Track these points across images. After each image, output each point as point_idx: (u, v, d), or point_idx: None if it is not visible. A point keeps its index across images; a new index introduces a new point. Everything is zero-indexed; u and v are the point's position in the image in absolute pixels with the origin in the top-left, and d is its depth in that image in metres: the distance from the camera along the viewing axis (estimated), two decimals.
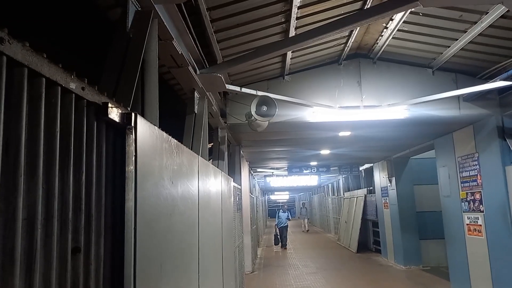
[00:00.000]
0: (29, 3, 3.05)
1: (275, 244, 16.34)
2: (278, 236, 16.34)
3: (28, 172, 1.15)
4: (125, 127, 1.72)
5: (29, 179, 1.15)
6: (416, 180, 11.20)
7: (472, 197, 7.04)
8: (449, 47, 5.58)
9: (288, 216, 17.23)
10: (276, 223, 16.96)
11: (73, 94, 1.39)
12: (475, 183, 6.97)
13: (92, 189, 1.51)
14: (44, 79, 1.23)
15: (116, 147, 1.72)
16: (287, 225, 16.85)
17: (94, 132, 1.55)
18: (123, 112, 1.72)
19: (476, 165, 6.92)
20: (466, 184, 7.24)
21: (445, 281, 8.68)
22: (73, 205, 1.37)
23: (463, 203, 7.35)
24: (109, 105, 1.60)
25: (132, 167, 1.71)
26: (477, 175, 6.91)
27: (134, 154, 1.73)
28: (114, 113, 1.64)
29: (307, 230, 24.81)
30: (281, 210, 17.25)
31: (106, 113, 1.58)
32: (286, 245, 16.24)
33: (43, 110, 1.22)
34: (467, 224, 7.24)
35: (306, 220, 25.72)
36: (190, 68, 3.77)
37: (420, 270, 10.38)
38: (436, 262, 10.64)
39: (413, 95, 6.20)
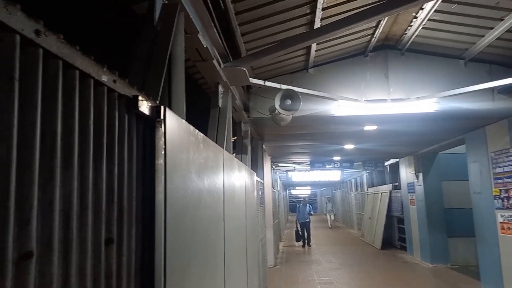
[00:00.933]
0: None
1: (296, 241, 15.13)
2: (300, 233, 15.06)
3: (64, 163, 1.17)
4: (154, 120, 1.72)
5: (64, 170, 1.17)
6: (444, 176, 10.90)
7: (506, 194, 6.79)
8: (483, 36, 5.36)
9: (309, 210, 15.61)
10: (296, 218, 15.61)
11: (105, 87, 1.40)
12: (509, 180, 6.71)
13: (124, 181, 1.52)
14: (77, 71, 1.24)
15: (146, 140, 1.73)
16: (309, 221, 15.36)
17: (125, 124, 1.56)
18: (152, 105, 1.72)
19: (511, 160, 6.67)
20: (500, 181, 6.99)
21: (475, 280, 8.44)
22: (106, 197, 1.39)
23: (496, 200, 7.10)
24: (140, 98, 1.60)
25: (161, 160, 1.72)
26: None
27: (163, 147, 1.73)
28: (144, 106, 1.65)
29: (330, 227, 23.53)
30: (301, 204, 15.76)
31: (136, 106, 1.58)
32: (310, 242, 14.91)
33: (77, 102, 1.23)
34: (500, 223, 6.99)
35: (331, 216, 24.34)
36: (214, 61, 3.76)
37: (447, 269, 10.13)
38: (464, 260, 10.35)
39: (444, 87, 6.01)
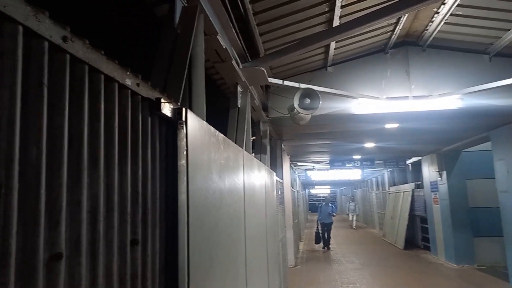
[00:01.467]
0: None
1: (316, 243, 13.98)
2: (320, 234, 13.87)
3: (90, 165, 1.19)
4: (176, 121, 1.74)
5: (91, 172, 1.19)
6: (469, 174, 10.62)
7: None
8: (509, 30, 5.20)
9: (332, 210, 14.31)
10: (318, 218, 14.36)
11: (129, 90, 1.43)
12: None
13: (147, 182, 1.54)
14: (102, 75, 1.26)
15: (168, 141, 1.76)
16: (332, 222, 14.14)
17: (148, 126, 1.58)
18: (174, 107, 1.75)
19: None
20: None
21: (504, 282, 8.19)
22: (131, 198, 1.41)
23: None
24: (162, 100, 1.63)
25: (184, 161, 1.74)
26: None
27: (185, 148, 1.75)
28: (167, 108, 1.67)
29: (355, 228, 22.31)
30: (323, 204, 14.56)
31: (159, 108, 1.61)
32: (329, 245, 13.89)
33: (102, 105, 1.25)
34: None
35: (354, 217, 23.12)
36: (233, 62, 3.78)
37: (474, 270, 9.87)
38: (492, 261, 10.05)
39: (467, 83, 5.86)
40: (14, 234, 0.89)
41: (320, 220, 14.07)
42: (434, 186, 11.66)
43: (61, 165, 1.05)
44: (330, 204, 14.59)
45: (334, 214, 14.57)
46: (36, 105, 0.98)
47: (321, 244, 13.95)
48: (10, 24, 0.91)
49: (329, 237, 13.99)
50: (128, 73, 1.41)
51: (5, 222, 0.87)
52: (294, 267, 10.32)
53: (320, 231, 13.94)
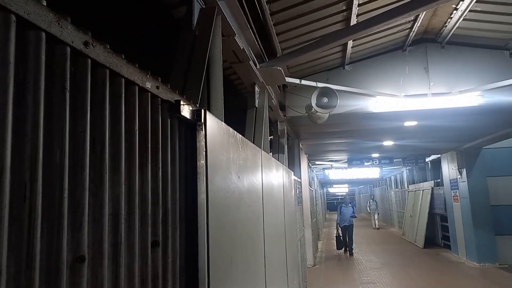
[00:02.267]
0: (98, 3, 3.22)
1: (337, 249, 12.66)
2: (341, 237, 12.61)
3: (112, 168, 1.21)
4: (195, 123, 1.75)
5: (113, 175, 1.21)
6: (490, 171, 10.38)
7: None
8: None
9: (353, 212, 12.97)
10: (337, 221, 13.08)
11: (149, 93, 1.44)
12: None
13: (167, 184, 1.56)
14: (123, 79, 1.28)
15: (187, 143, 1.77)
16: (352, 224, 12.85)
17: (168, 128, 1.59)
18: (193, 109, 1.76)
19: None
20: None
21: None
22: (151, 200, 1.42)
23: None
24: (181, 102, 1.64)
25: (203, 162, 1.75)
26: None
27: (204, 149, 1.76)
28: (186, 110, 1.68)
29: (378, 228, 21.16)
30: (343, 204, 13.18)
31: (178, 110, 1.62)
32: (352, 250, 12.58)
33: (123, 108, 1.27)
34: None
35: (376, 216, 21.80)
36: (251, 62, 3.78)
37: (496, 268, 9.64)
38: None
39: (488, 80, 5.72)
40: (39, 237, 0.90)
41: (341, 223, 12.77)
42: (454, 184, 11.43)
43: (84, 168, 1.07)
44: (350, 205, 13.19)
45: (356, 215, 13.14)
46: (59, 109, 1.00)
47: (343, 250, 12.71)
48: (34, 31, 0.93)
49: (351, 241, 12.63)
50: (148, 76, 1.42)
51: (30, 224, 0.88)
52: (313, 266, 10.26)
53: (341, 235, 12.67)
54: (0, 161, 0.81)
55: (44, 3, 0.96)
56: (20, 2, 0.88)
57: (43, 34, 0.95)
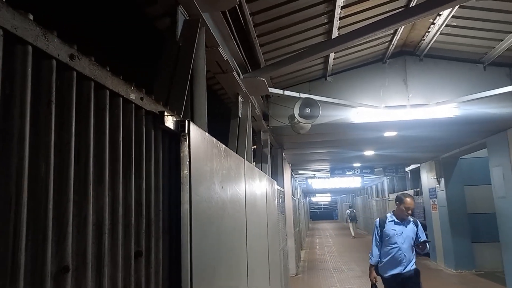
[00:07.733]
0: (79, 15, 3.23)
1: None
2: None
3: (96, 180, 1.22)
4: (179, 134, 1.77)
5: (97, 186, 1.22)
6: (466, 180, 10.66)
7: None
8: (502, 40, 5.28)
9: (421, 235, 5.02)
10: (372, 258, 5.42)
11: (133, 104, 1.46)
12: None
13: (151, 194, 1.57)
14: (108, 91, 1.29)
15: (171, 153, 1.78)
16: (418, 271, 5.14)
17: (152, 139, 1.61)
18: (177, 120, 1.78)
19: None
20: None
21: (502, 286, 8.18)
22: (135, 210, 1.43)
23: None
24: (165, 113, 1.66)
25: (186, 172, 1.76)
26: None
27: (188, 159, 1.78)
28: (170, 121, 1.70)
29: (353, 236, 21.60)
30: (387, 220, 4.92)
31: (162, 121, 1.64)
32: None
33: (107, 120, 1.28)
34: None
35: (353, 224, 22.64)
36: (234, 73, 3.82)
37: (473, 275, 9.85)
38: (491, 266, 10.05)
39: (463, 92, 5.92)
40: (23, 249, 0.91)
41: (385, 270, 5.28)
42: (432, 192, 11.68)
43: (68, 180, 1.08)
44: (411, 220, 5.28)
45: (429, 240, 5.48)
46: (45, 122, 1.01)
47: None
48: (21, 46, 0.94)
49: None
50: (132, 87, 1.44)
51: (15, 236, 0.89)
52: (296, 275, 10.27)
53: None
54: None
55: (31, 17, 0.98)
56: (7, 17, 0.89)
57: (30, 48, 0.96)
